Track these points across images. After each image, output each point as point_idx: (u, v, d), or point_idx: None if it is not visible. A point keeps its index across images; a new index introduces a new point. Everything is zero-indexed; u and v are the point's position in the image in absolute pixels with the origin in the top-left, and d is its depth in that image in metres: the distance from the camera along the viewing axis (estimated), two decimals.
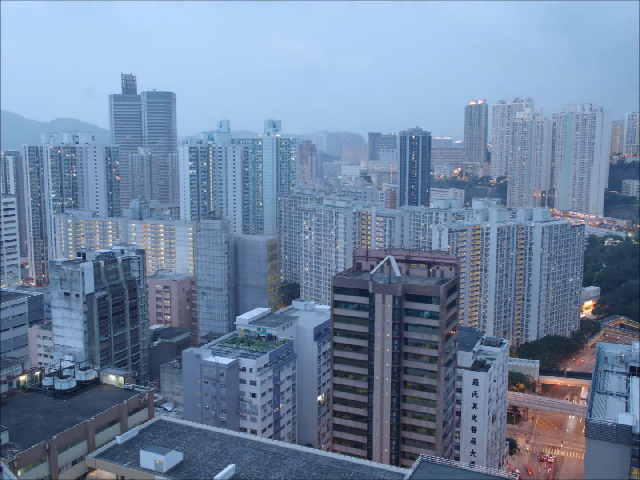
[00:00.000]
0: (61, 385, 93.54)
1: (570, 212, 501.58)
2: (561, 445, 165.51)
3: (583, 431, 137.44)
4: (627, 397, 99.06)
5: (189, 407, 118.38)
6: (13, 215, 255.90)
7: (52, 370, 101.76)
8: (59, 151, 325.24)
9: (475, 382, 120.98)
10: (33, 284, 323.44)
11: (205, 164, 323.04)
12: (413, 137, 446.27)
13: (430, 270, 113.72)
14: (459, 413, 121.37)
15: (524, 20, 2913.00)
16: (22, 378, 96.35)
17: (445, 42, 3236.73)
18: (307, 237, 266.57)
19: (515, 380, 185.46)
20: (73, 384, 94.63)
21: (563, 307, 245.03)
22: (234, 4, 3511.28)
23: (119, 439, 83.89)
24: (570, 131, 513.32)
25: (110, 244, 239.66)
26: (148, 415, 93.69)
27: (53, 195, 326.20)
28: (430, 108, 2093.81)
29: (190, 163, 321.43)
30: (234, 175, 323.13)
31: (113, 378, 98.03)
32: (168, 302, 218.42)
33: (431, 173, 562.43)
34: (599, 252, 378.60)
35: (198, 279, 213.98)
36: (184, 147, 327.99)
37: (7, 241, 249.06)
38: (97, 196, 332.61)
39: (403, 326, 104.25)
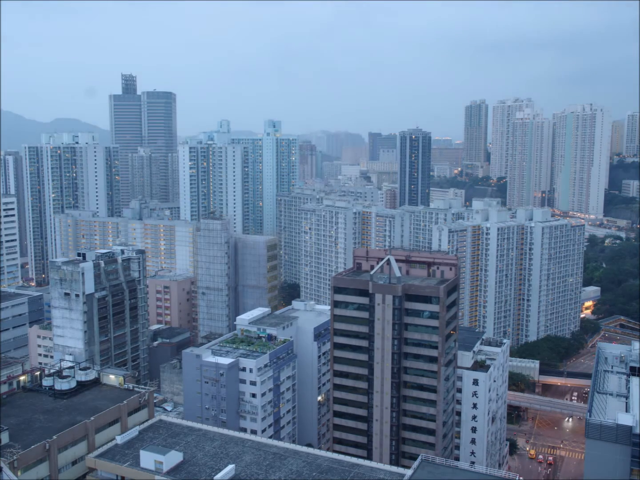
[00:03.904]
0: (61, 385, 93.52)
1: (570, 212, 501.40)
2: (561, 445, 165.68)
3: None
4: (627, 397, 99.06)
5: (189, 407, 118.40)
6: (13, 215, 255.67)
7: (52, 370, 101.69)
8: (59, 151, 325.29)
9: (475, 382, 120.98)
10: (33, 284, 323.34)
11: (205, 164, 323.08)
12: (413, 137, 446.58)
13: (430, 270, 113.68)
14: (459, 413, 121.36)
15: (519, 19, 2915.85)
16: (22, 378, 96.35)
17: (445, 41, 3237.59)
18: (307, 237, 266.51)
19: (515, 380, 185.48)
20: (73, 384, 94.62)
21: (563, 307, 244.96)
22: (233, 3, 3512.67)
23: (119, 439, 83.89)
24: (570, 131, 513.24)
25: (110, 244, 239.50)
26: (148, 415, 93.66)
27: (53, 195, 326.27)
28: (430, 108, 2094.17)
29: (190, 163, 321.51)
30: (234, 175, 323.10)
31: (113, 378, 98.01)
32: (168, 302, 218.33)
33: (431, 173, 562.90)
34: (599, 252, 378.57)
35: (198, 279, 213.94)
36: (184, 147, 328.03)
37: (7, 241, 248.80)
38: (97, 196, 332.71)
39: (403, 326, 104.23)
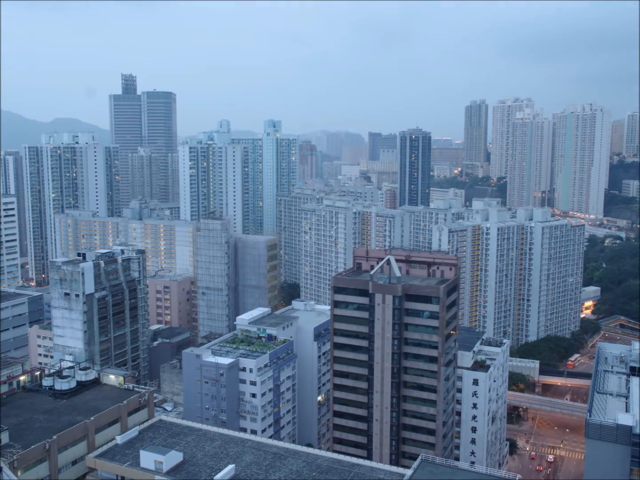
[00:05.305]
0: (61, 385, 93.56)
1: (570, 212, 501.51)
2: (561, 446, 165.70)
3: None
4: (627, 397, 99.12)
5: (189, 407, 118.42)
6: (13, 215, 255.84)
7: (52, 370, 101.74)
8: (59, 151, 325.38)
9: (475, 382, 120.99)
10: (33, 284, 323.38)
11: (205, 164, 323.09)
12: (413, 137, 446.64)
13: (430, 270, 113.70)
14: (459, 413, 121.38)
15: (525, 18, 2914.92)
16: (22, 378, 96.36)
17: (445, 41, 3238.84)
18: (307, 237, 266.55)
19: (515, 380, 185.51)
20: (73, 384, 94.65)
21: (563, 307, 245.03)
22: (233, 3, 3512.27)
23: (119, 439, 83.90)
24: (570, 131, 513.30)
25: (110, 244, 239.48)
26: (148, 415, 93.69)
27: (53, 195, 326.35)
28: (430, 108, 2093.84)
29: (190, 163, 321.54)
30: (234, 175, 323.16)
31: (113, 378, 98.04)
32: (168, 302, 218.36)
33: (431, 173, 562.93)
34: (599, 252, 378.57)
35: (198, 279, 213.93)
36: (184, 147, 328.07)
37: (7, 241, 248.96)
38: (97, 196, 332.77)
39: (403, 326, 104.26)
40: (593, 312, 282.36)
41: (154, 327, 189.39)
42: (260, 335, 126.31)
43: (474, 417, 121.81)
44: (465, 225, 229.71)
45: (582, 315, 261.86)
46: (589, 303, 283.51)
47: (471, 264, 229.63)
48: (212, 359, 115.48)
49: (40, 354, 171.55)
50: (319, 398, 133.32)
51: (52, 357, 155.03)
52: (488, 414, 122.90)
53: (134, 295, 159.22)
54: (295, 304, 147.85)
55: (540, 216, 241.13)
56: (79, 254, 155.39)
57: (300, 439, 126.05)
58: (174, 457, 78.09)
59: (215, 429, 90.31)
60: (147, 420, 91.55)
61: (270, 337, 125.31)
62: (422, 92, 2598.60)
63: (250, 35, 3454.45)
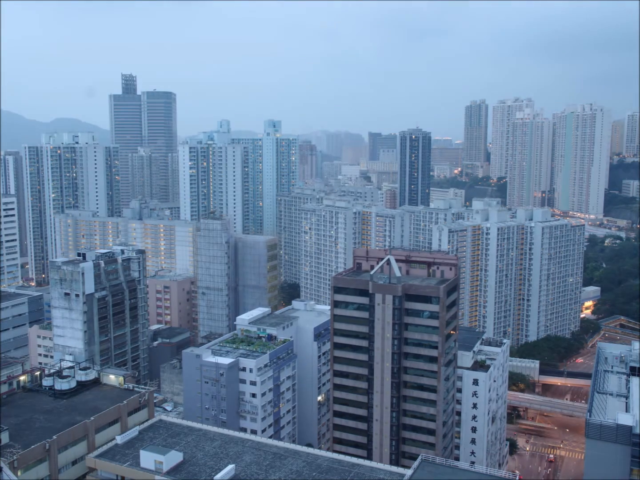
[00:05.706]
0: (61, 385, 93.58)
1: (570, 212, 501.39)
2: (561, 446, 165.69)
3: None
4: (627, 397, 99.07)
5: (189, 407, 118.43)
6: (13, 215, 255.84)
7: (52, 370, 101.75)
8: (59, 151, 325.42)
9: (475, 382, 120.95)
10: (33, 284, 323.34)
11: (205, 164, 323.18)
12: (413, 137, 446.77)
13: (430, 270, 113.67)
14: (459, 413, 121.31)
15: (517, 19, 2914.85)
16: (22, 378, 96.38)
17: (446, 42, 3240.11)
18: (307, 237, 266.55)
19: (515, 380, 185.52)
20: (73, 384, 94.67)
21: (563, 307, 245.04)
22: (235, 3, 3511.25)
23: (119, 439, 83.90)
24: (570, 131, 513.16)
25: (110, 244, 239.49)
26: (148, 415, 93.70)
27: (53, 195, 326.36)
28: (430, 108, 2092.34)
29: (190, 163, 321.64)
30: (234, 175, 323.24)
31: (113, 378, 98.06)
32: (168, 302, 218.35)
33: (431, 173, 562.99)
34: (599, 252, 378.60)
35: (198, 279, 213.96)
36: (184, 147, 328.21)
37: (7, 241, 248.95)
38: (97, 196, 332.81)
39: (403, 326, 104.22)
40: (593, 312, 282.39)
41: (154, 327, 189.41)
42: (260, 335, 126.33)
43: (474, 417, 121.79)
44: (465, 225, 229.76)
45: (582, 315, 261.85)
46: (589, 303, 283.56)
47: (471, 264, 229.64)
48: (212, 359, 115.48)
49: (40, 354, 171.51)
50: (319, 398, 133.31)
51: (52, 357, 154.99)
52: (488, 414, 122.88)
53: (134, 295, 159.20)
54: (295, 304, 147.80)
55: (540, 216, 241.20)
56: (79, 254, 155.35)
57: (300, 439, 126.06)
58: (174, 457, 78.11)
59: (215, 429, 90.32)
60: (147, 420, 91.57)
61: (270, 337, 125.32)
62: (422, 92, 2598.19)
63: (250, 35, 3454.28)
